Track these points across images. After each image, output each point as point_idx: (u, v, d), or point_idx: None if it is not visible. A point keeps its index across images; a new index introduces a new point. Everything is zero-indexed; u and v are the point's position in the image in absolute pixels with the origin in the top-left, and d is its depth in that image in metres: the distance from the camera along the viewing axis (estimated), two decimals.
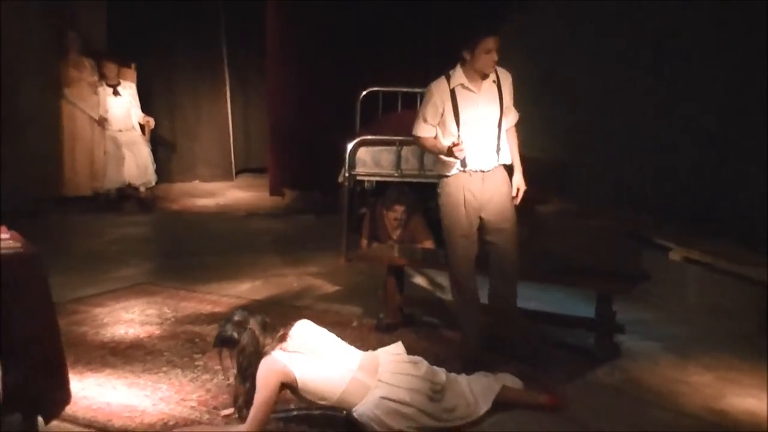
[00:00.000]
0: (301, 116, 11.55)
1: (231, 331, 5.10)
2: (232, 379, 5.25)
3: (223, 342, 5.13)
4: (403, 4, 11.07)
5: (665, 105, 8.89)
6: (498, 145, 6.18)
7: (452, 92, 6.06)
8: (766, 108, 7.59)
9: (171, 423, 5.17)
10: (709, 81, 8.36)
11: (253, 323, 5.11)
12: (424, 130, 6.17)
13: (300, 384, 5.01)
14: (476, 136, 6.12)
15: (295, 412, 5.35)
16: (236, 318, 5.15)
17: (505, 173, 6.32)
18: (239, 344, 5.06)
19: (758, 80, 7.71)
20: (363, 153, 9.22)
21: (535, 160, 10.47)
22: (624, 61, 9.44)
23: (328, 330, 5.40)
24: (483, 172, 6.16)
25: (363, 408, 5.07)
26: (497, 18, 6.35)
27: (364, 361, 5.25)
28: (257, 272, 8.56)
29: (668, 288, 7.66)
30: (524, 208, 9.81)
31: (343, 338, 5.43)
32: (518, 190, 6.33)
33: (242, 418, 5.03)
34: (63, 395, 5.09)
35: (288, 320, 5.48)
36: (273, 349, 5.08)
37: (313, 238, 9.85)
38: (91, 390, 5.67)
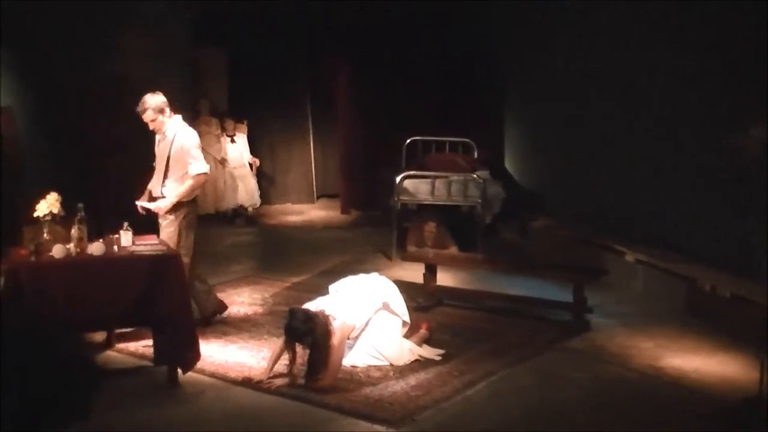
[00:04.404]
0: (363, 157, 11.66)
1: (303, 329, 5.10)
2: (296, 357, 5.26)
3: (299, 338, 5.14)
4: (434, 82, 11.21)
5: (622, 153, 8.75)
6: (163, 182, 6.19)
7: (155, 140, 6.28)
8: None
9: (270, 376, 5.23)
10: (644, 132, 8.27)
11: (317, 320, 5.15)
12: None
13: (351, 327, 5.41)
14: (156, 170, 6.24)
15: None
16: (302, 318, 5.14)
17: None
18: (314, 335, 5.09)
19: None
20: (407, 184, 9.23)
21: (522, 189, 10.60)
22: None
23: None
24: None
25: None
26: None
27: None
28: (331, 268, 8.50)
29: (623, 280, 7.66)
30: (519, 222, 9.86)
31: None
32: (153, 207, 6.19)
33: (317, 379, 5.14)
34: (195, 354, 5.26)
35: None
36: (331, 325, 5.20)
37: (371, 245, 9.87)
38: (213, 351, 5.78)
